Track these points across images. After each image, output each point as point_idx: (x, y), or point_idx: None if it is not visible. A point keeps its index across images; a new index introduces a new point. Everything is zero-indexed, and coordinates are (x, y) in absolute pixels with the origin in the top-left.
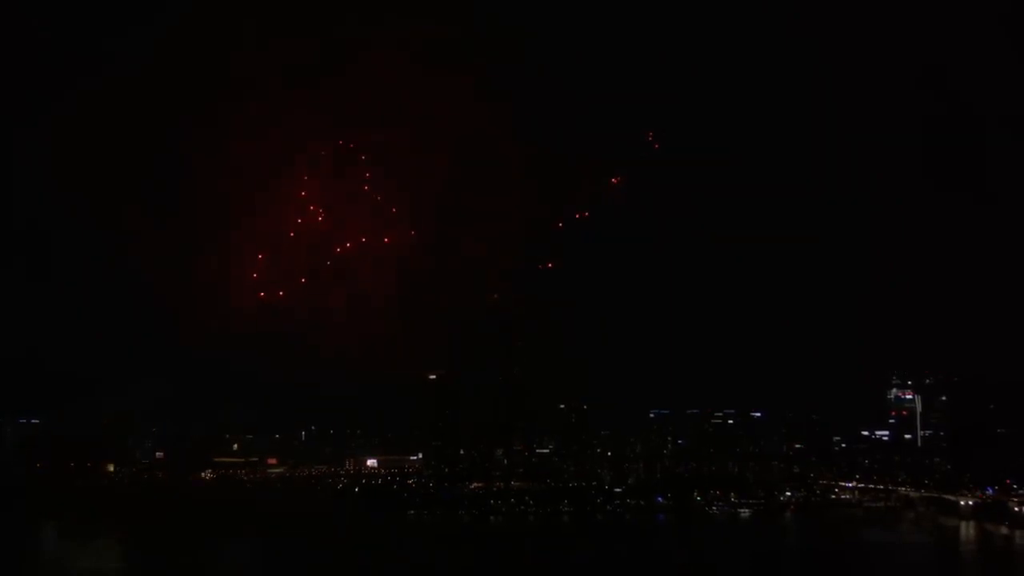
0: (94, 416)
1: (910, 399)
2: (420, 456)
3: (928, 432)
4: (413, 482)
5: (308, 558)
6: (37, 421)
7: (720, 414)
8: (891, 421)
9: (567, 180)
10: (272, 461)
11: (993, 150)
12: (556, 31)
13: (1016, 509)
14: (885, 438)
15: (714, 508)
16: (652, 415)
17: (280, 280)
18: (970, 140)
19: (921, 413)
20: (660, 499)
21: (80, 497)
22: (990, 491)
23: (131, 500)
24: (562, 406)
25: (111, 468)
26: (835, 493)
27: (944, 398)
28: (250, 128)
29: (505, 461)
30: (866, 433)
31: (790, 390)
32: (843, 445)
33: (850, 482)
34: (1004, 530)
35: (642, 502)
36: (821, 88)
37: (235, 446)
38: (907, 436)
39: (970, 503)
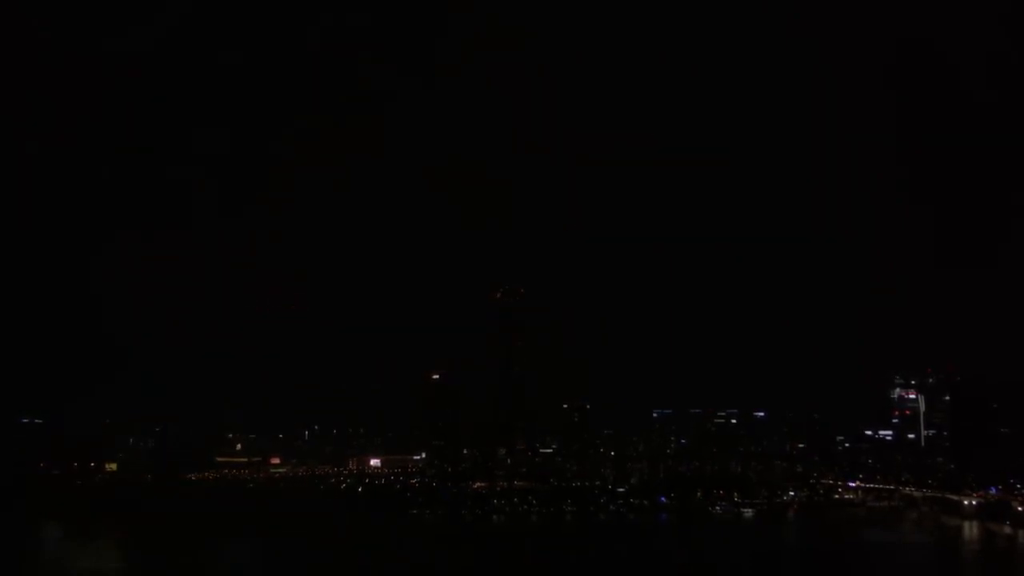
0: (94, 416)
1: (913, 399)
2: (423, 456)
3: (931, 432)
4: (416, 482)
5: (308, 558)
6: (38, 421)
7: (723, 414)
8: (894, 421)
9: None
10: (275, 460)
11: (995, 151)
12: (556, 32)
13: (1019, 508)
14: (888, 438)
15: (717, 508)
16: (655, 415)
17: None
18: (971, 140)
19: (924, 413)
20: (663, 499)
21: (80, 497)
22: (993, 491)
23: (131, 500)
24: (564, 406)
25: (111, 468)
26: (838, 493)
27: (947, 398)
28: None
29: (508, 461)
30: (869, 433)
31: (792, 390)
32: (846, 445)
33: (853, 482)
34: (1007, 529)
35: (645, 502)
36: (821, 88)
37: (238, 446)
38: (910, 436)
39: (973, 503)
